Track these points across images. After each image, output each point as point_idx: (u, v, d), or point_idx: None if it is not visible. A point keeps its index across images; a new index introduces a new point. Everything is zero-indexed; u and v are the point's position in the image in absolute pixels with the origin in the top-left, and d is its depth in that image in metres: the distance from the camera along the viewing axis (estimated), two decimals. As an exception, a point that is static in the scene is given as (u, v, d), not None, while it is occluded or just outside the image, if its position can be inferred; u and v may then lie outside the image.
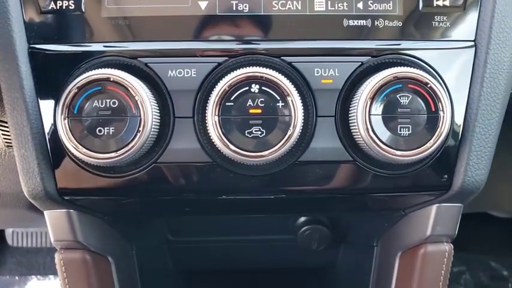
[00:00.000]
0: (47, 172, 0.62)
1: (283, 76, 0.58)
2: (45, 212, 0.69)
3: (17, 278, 1.53)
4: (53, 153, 0.62)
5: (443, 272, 0.72)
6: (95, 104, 0.58)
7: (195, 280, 1.17)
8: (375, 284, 0.88)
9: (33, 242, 1.56)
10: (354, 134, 0.61)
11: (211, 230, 1.01)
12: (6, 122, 0.77)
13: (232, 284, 1.15)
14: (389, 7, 0.63)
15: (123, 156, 0.58)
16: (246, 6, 0.62)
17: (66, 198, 0.65)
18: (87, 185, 0.63)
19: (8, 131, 0.78)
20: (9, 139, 0.80)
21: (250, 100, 0.58)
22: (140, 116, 0.58)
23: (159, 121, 0.60)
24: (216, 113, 0.58)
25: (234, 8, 0.62)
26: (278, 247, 1.05)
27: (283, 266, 1.12)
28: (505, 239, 1.50)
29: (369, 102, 0.59)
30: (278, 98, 0.58)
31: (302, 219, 1.00)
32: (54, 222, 0.69)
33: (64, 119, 0.58)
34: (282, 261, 1.10)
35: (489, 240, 1.50)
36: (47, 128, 0.61)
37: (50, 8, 0.62)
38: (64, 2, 0.61)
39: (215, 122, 0.58)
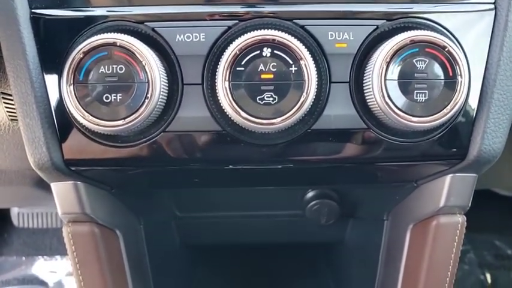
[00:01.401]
0: (53, 141, 0.60)
1: (296, 39, 0.56)
2: (52, 185, 0.68)
3: (23, 258, 1.53)
4: (58, 121, 0.60)
5: (455, 243, 0.71)
6: (101, 70, 0.56)
7: (202, 256, 1.16)
8: (384, 258, 0.87)
9: (39, 223, 1.56)
10: (368, 100, 0.59)
11: (219, 205, 1.00)
12: (9, 95, 0.76)
13: (240, 259, 1.15)
14: (405, -31, 0.61)
15: (131, 123, 0.56)
16: (256, -32, 0.60)
17: (72, 168, 0.63)
18: (94, 155, 0.61)
19: (11, 104, 0.77)
20: (13, 113, 0.79)
21: (261, 64, 0.56)
22: (148, 81, 0.56)
23: (167, 88, 0.58)
24: (227, 79, 0.56)
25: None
26: (286, 222, 1.04)
27: (291, 241, 1.11)
28: (509, 218, 1.50)
29: (384, 67, 0.57)
30: (291, 62, 0.56)
31: (310, 193, 0.99)
32: (62, 194, 0.68)
33: (69, 85, 0.56)
34: (290, 236, 1.09)
35: (493, 219, 1.49)
36: (52, 95, 0.59)
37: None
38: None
39: (225, 88, 0.56)
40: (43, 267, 1.53)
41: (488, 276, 1.48)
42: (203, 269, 1.16)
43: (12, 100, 0.76)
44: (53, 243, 1.57)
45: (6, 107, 0.76)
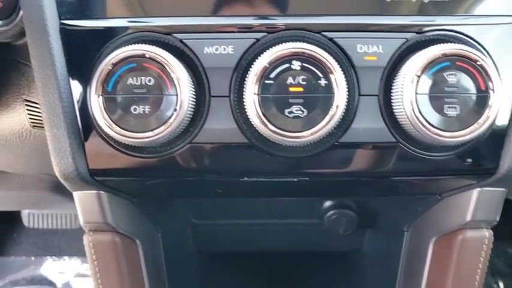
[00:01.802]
0: (79, 152, 0.60)
1: (325, 52, 0.56)
2: (74, 194, 0.68)
3: (33, 258, 1.55)
4: (85, 132, 0.60)
5: (482, 259, 0.70)
6: (129, 82, 0.56)
7: (217, 263, 1.16)
8: (404, 271, 0.86)
9: (48, 224, 1.57)
10: (397, 114, 0.58)
11: (235, 213, 1.00)
12: (33, 102, 0.76)
13: (255, 267, 1.14)
14: (435, -19, 0.60)
15: (160, 135, 0.56)
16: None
17: (97, 178, 0.63)
18: (120, 165, 0.61)
19: (34, 111, 0.77)
20: (36, 119, 0.79)
21: (290, 77, 0.56)
22: (177, 94, 0.56)
23: (194, 100, 0.58)
24: (255, 92, 0.56)
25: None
26: (303, 231, 1.03)
27: (307, 250, 1.10)
28: (524, 226, 1.48)
29: (415, 81, 0.56)
30: (320, 76, 0.56)
31: (328, 203, 0.98)
32: (84, 203, 0.67)
33: (98, 96, 0.56)
34: (306, 245, 1.08)
35: (506, 227, 1.48)
36: (79, 106, 0.59)
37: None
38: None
39: (254, 100, 0.56)
40: (52, 267, 1.54)
41: (501, 284, 1.46)
42: (218, 277, 1.16)
43: (35, 107, 0.76)
44: (61, 244, 1.58)
45: (29, 114, 0.77)
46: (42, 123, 0.79)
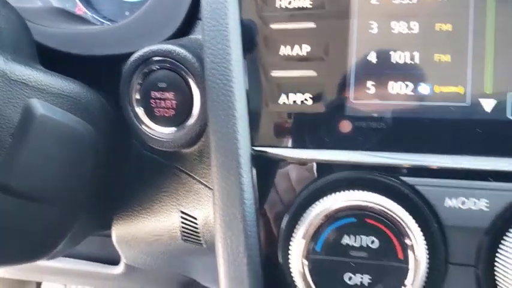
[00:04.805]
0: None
1: None
2: None
3: None
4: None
5: None
6: (346, 242, 0.42)
7: None
8: None
9: None
10: None
11: None
12: (188, 215, 0.67)
13: None
14: None
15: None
16: None
17: None
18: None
19: (189, 225, 0.67)
20: (188, 233, 0.69)
21: None
22: (408, 263, 0.42)
23: (428, 269, 0.43)
24: (527, 271, 0.40)
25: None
26: None
27: None
28: None
29: None
30: None
31: None
32: None
33: (304, 256, 0.43)
34: None
35: None
36: (269, 262, 0.47)
37: (281, 103, 0.48)
38: (299, 95, 0.48)
39: (521, 282, 0.40)
40: None
41: None
42: None
43: (190, 221, 0.67)
44: None
45: (183, 227, 0.67)
46: (195, 239, 0.69)
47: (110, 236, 0.79)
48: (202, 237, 0.64)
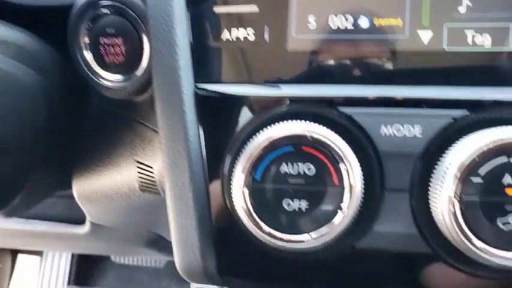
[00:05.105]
0: (209, 249, 0.49)
1: None
2: (192, 285, 0.57)
3: None
4: (218, 225, 0.48)
5: None
6: (284, 169, 0.43)
7: None
8: None
9: (133, 260, 1.57)
10: None
11: None
12: (145, 165, 0.67)
13: None
14: None
15: (319, 239, 0.43)
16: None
17: (226, 277, 0.51)
18: (257, 266, 0.49)
19: (146, 174, 0.68)
20: (147, 182, 0.70)
21: (508, 176, 0.41)
22: (344, 187, 0.43)
23: (363, 195, 0.45)
24: (455, 192, 0.41)
25: (471, 42, 0.45)
26: None
27: None
28: None
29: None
30: (553, 177, 0.40)
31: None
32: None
33: (244, 186, 0.44)
34: None
35: None
36: (214, 194, 0.48)
37: (224, 39, 0.49)
38: (241, 31, 0.48)
39: (451, 203, 0.41)
40: None
41: None
42: None
43: (147, 170, 0.67)
44: (144, 279, 1.57)
45: (140, 177, 0.68)
46: (153, 188, 0.70)
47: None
48: (158, 185, 0.65)
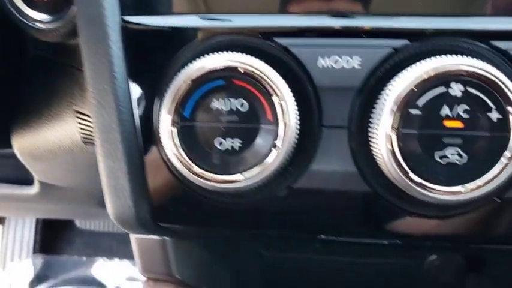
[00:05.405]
0: (141, 192, 0.46)
1: (502, 73, 0.38)
2: (132, 237, 0.54)
3: (84, 258, 1.52)
4: (149, 168, 0.45)
5: None
6: (215, 106, 0.41)
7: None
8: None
9: (100, 225, 1.55)
10: None
11: (312, 246, 0.84)
12: (86, 115, 0.63)
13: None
14: None
15: (252, 179, 0.41)
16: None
17: (162, 225, 0.49)
18: (193, 212, 0.46)
19: (87, 125, 0.64)
20: (88, 134, 0.66)
21: (447, 107, 0.39)
22: (278, 123, 0.40)
23: (299, 131, 0.42)
24: (393, 125, 0.39)
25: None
26: (394, 273, 0.86)
27: None
28: None
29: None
30: (492, 107, 0.38)
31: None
32: (144, 250, 0.54)
33: (172, 124, 0.41)
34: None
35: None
36: (144, 134, 0.45)
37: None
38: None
39: (389, 137, 0.39)
40: (102, 268, 1.52)
41: None
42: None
43: (88, 121, 0.63)
44: (112, 245, 1.55)
45: (81, 128, 0.64)
46: (93, 139, 0.66)
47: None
48: (99, 136, 0.61)
